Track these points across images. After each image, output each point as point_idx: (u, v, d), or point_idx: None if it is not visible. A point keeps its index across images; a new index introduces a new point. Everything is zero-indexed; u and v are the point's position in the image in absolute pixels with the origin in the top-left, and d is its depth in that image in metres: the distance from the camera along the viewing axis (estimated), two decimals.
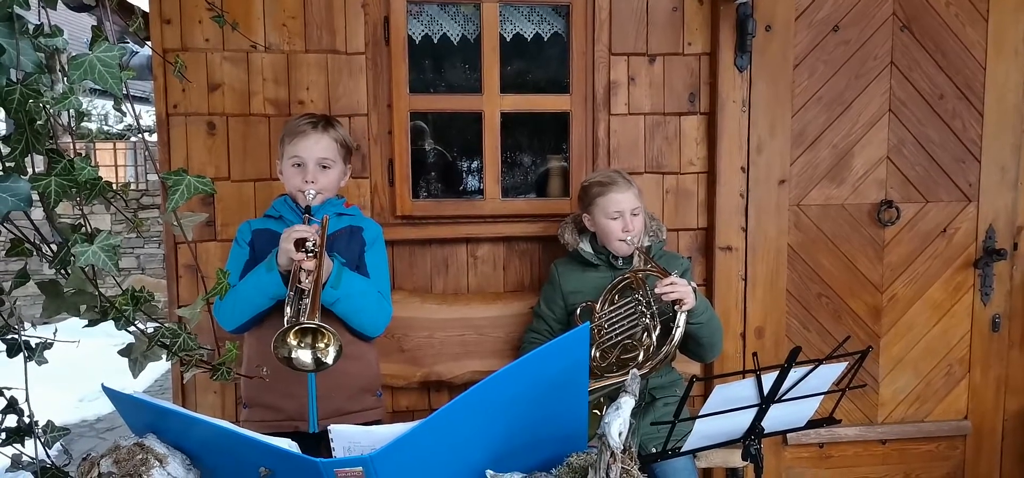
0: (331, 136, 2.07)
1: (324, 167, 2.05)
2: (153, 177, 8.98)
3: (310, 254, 1.81)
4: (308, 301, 1.72)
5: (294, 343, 1.63)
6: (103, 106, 10.39)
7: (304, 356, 1.63)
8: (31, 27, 0.90)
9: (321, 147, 2.04)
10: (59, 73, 0.94)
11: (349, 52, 2.55)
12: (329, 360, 1.63)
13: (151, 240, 8.48)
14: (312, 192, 1.99)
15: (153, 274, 8.47)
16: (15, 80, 0.87)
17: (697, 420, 1.59)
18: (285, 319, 1.77)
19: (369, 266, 2.11)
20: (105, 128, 10.30)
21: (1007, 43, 2.75)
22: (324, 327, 1.62)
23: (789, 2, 2.66)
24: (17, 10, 0.85)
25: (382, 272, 2.14)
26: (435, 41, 2.77)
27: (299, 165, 2.04)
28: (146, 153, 9.12)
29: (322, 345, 1.63)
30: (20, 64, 0.87)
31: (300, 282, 1.81)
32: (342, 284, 1.96)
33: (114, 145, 9.56)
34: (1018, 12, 2.74)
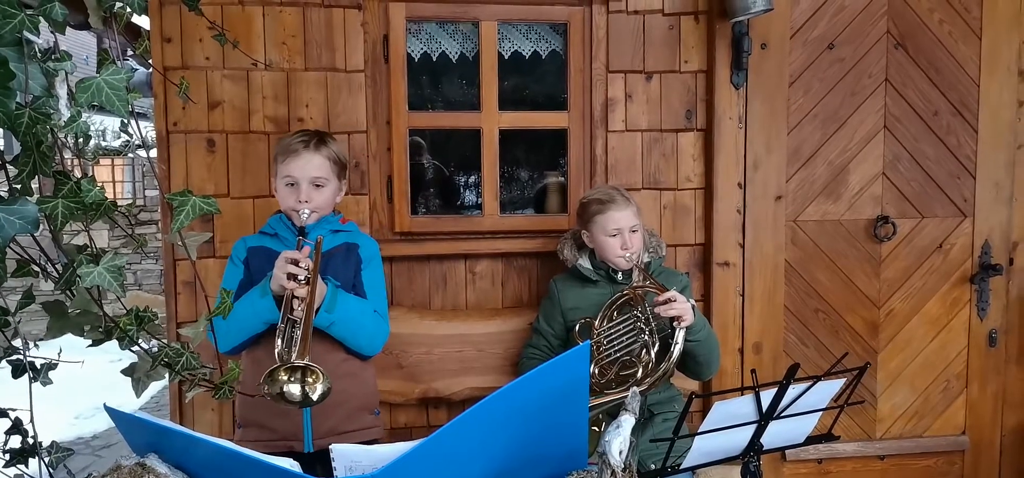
0: (324, 154, 2.05)
1: (317, 186, 2.03)
2: (151, 193, 8.97)
3: (302, 282, 1.80)
4: (299, 333, 1.71)
5: (284, 378, 1.61)
6: (101, 122, 10.40)
7: (294, 390, 1.61)
8: (39, 51, 0.91)
9: (313, 166, 2.02)
10: (66, 96, 0.95)
11: (348, 70, 2.57)
12: (315, 398, 1.61)
13: (148, 256, 8.47)
14: (306, 212, 1.98)
15: (150, 289, 8.45)
16: (23, 103, 0.88)
17: (696, 437, 1.59)
18: (276, 350, 1.76)
19: (366, 284, 2.11)
20: (103, 144, 10.30)
21: (1000, 61, 2.78)
22: (313, 366, 1.60)
23: (784, 21, 2.68)
24: (26, 35, 0.86)
25: (379, 290, 2.14)
26: (434, 59, 2.79)
27: (292, 185, 2.02)
28: (145, 169, 9.11)
29: (310, 381, 1.61)
30: (28, 88, 0.88)
31: (292, 311, 1.80)
32: (337, 308, 1.95)
33: (112, 161, 9.56)
34: (1011, 30, 2.78)
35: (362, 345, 2.06)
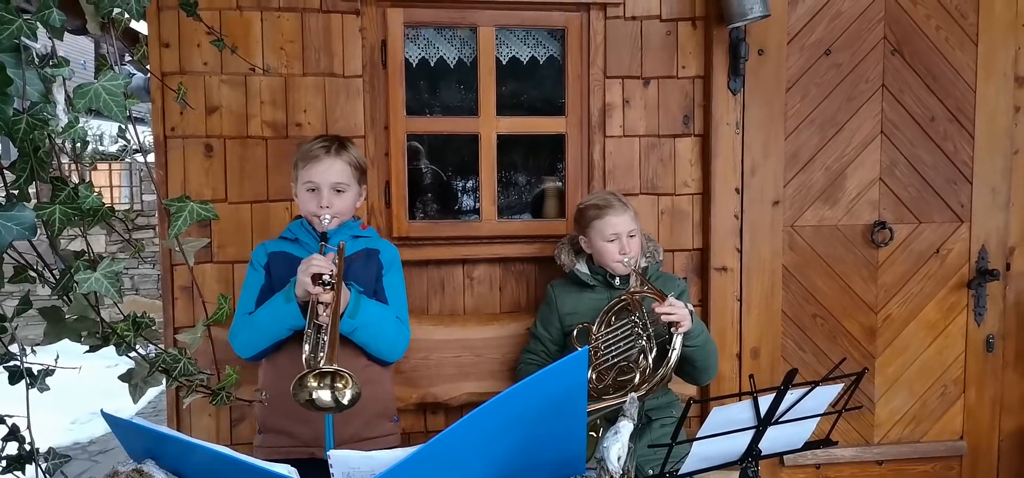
0: (345, 159, 2.05)
1: (338, 191, 2.03)
2: (148, 197, 8.96)
3: (327, 287, 1.80)
4: (326, 338, 1.70)
5: (314, 385, 1.60)
6: (98, 127, 10.39)
7: (324, 395, 1.61)
8: (37, 57, 0.91)
9: (334, 171, 2.02)
10: (64, 101, 0.95)
11: (346, 75, 2.57)
12: (345, 402, 1.60)
13: (145, 261, 8.46)
14: (327, 217, 1.98)
15: (147, 294, 8.43)
16: (21, 109, 0.88)
17: (694, 442, 1.59)
18: (303, 356, 1.76)
19: (387, 290, 2.10)
20: (100, 148, 10.28)
21: (996, 67, 2.79)
22: (342, 371, 1.60)
23: (781, 26, 2.69)
24: (24, 41, 0.86)
25: (400, 296, 2.13)
26: (432, 64, 2.79)
27: (313, 190, 2.02)
28: (143, 174, 9.10)
29: (340, 386, 1.61)
30: (26, 93, 0.88)
31: (318, 316, 1.79)
32: (360, 313, 1.95)
33: (109, 166, 9.55)
34: (1007, 36, 2.79)
35: (383, 351, 2.05)
